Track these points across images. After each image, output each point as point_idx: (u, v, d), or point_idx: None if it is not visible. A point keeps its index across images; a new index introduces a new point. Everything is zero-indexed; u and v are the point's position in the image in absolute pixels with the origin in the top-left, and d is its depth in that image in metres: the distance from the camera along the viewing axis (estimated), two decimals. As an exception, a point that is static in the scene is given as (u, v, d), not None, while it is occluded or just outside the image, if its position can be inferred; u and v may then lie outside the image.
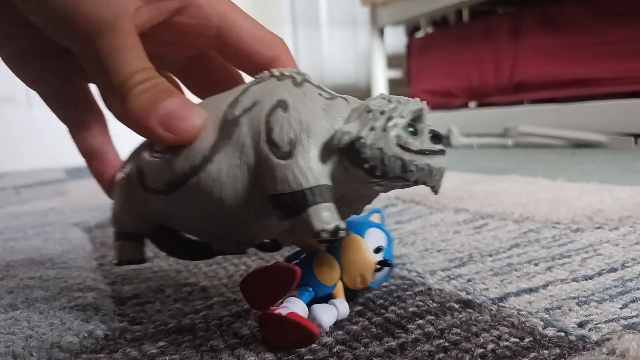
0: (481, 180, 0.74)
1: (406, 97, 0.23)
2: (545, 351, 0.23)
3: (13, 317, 0.30)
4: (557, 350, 0.23)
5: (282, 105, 0.22)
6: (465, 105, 1.67)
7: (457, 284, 0.32)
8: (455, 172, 0.87)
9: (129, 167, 0.28)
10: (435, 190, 0.24)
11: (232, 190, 0.23)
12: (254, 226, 0.25)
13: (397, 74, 1.85)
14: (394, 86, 1.87)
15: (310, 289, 0.27)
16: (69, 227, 0.59)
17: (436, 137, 0.23)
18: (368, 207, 0.29)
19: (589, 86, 1.29)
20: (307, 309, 0.27)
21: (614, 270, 0.33)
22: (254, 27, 0.27)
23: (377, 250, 0.29)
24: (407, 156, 0.21)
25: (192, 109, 0.23)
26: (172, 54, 0.28)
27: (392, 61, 1.88)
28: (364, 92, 2.21)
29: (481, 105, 1.61)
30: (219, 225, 0.25)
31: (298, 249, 0.30)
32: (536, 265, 0.35)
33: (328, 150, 0.22)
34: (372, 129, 0.21)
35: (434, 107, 1.79)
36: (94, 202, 0.79)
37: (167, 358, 0.25)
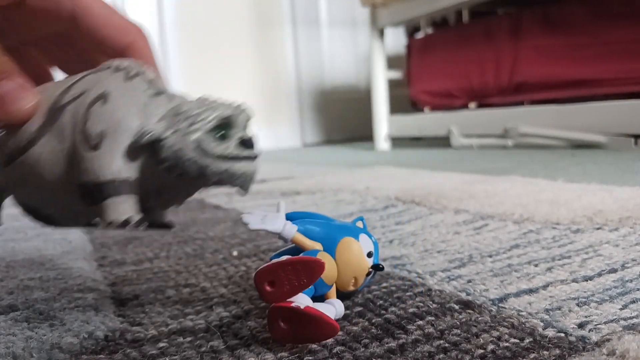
0: (481, 181, 0.74)
1: (225, 101, 0.24)
2: (545, 352, 0.23)
3: (13, 318, 0.30)
4: (557, 351, 0.23)
5: (104, 97, 0.24)
6: (465, 106, 1.67)
7: (457, 285, 0.32)
8: (455, 172, 0.87)
9: None
10: (242, 192, 0.25)
11: (50, 174, 0.24)
12: (77, 206, 0.25)
13: (397, 74, 1.85)
14: (394, 87, 1.87)
15: (312, 286, 0.27)
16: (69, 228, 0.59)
17: (246, 143, 0.24)
18: (358, 211, 0.29)
19: (589, 87, 1.29)
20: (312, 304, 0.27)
21: (614, 271, 0.33)
22: (109, 14, 0.28)
23: (369, 254, 0.30)
24: (204, 161, 0.23)
25: (25, 92, 0.25)
26: (27, 32, 0.29)
27: (392, 62, 1.88)
28: (364, 93, 2.21)
29: (481, 106, 1.61)
30: (49, 201, 0.26)
31: (291, 245, 0.30)
32: (536, 266, 0.35)
33: (136, 147, 0.23)
34: (176, 131, 0.23)
35: (434, 107, 1.79)
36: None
37: (167, 359, 0.25)
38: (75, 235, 0.54)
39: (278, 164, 1.38)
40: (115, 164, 0.23)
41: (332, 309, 0.27)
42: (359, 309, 0.29)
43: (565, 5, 1.34)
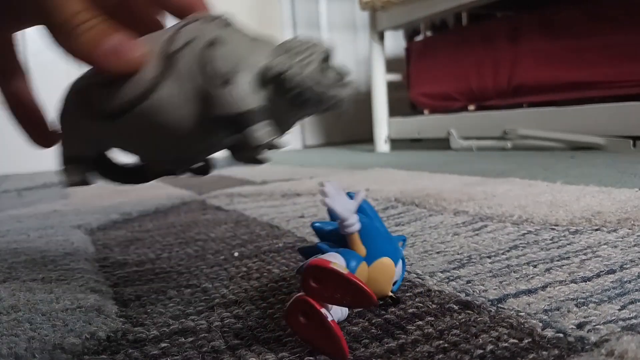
0: (480, 183, 0.75)
1: (312, 40, 0.27)
2: (544, 352, 0.23)
3: (15, 319, 0.30)
4: (556, 352, 0.23)
5: (217, 41, 0.26)
6: (464, 109, 1.67)
7: (456, 286, 0.32)
8: (455, 174, 0.87)
9: (73, 97, 0.29)
10: (342, 113, 0.27)
11: (175, 118, 0.26)
12: (198, 144, 0.27)
13: (396, 77, 1.86)
14: (394, 89, 1.87)
15: None
16: (71, 230, 0.59)
17: (341, 72, 0.27)
18: (396, 231, 0.29)
19: (587, 89, 1.29)
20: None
21: (612, 272, 0.33)
22: None
23: (394, 282, 0.30)
24: (321, 88, 0.25)
25: (134, 43, 0.26)
26: None
27: (391, 65, 1.88)
28: (364, 95, 2.21)
29: (480, 108, 1.62)
30: (163, 147, 0.28)
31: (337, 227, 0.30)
32: (535, 266, 0.35)
33: (264, 80, 0.25)
34: (293, 64, 0.25)
35: (434, 110, 1.80)
36: (96, 204, 0.80)
37: (168, 359, 0.25)
38: (78, 237, 0.55)
39: (279, 165, 1.38)
40: (251, 95, 0.25)
41: (339, 311, 0.27)
42: (358, 309, 0.30)
43: (563, 8, 1.35)
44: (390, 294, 0.30)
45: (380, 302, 0.29)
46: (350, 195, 0.30)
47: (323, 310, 0.24)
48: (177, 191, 0.90)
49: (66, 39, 0.26)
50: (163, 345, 0.26)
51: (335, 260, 0.27)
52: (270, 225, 0.55)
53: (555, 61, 1.35)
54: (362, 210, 0.31)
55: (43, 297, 0.34)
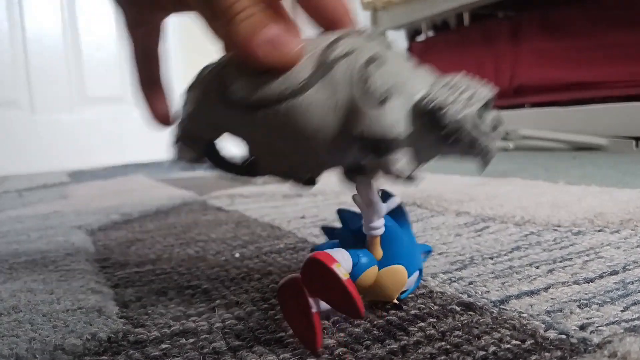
0: (482, 184, 0.74)
1: (480, 81, 0.26)
2: (546, 354, 0.23)
3: (16, 320, 0.30)
4: (559, 353, 0.23)
5: (378, 59, 0.25)
6: (466, 109, 1.67)
7: (458, 287, 0.32)
8: (456, 175, 0.87)
9: (209, 80, 0.29)
10: (483, 167, 0.26)
11: (317, 123, 0.25)
12: (325, 156, 0.26)
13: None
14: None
15: None
16: (72, 230, 0.59)
17: (497, 123, 0.26)
18: (422, 239, 0.29)
19: (589, 89, 1.29)
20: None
21: (615, 273, 0.33)
22: None
23: (404, 291, 0.30)
24: (476, 134, 0.24)
25: (292, 38, 0.25)
26: None
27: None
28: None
29: (482, 108, 1.61)
30: (291, 150, 0.27)
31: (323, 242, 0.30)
32: (537, 267, 0.35)
33: (415, 109, 0.24)
34: (455, 102, 0.24)
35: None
36: (97, 205, 0.80)
37: (170, 360, 0.25)
38: (78, 237, 0.55)
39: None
40: (401, 123, 0.24)
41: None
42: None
43: (564, 8, 1.35)
44: (396, 301, 0.29)
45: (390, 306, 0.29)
46: (386, 195, 0.30)
47: (311, 300, 0.24)
48: (178, 192, 0.90)
49: (223, 26, 0.25)
50: (164, 346, 0.26)
51: (343, 258, 0.27)
52: (271, 226, 0.55)
53: (557, 61, 1.35)
54: (396, 214, 0.31)
55: (44, 297, 0.34)
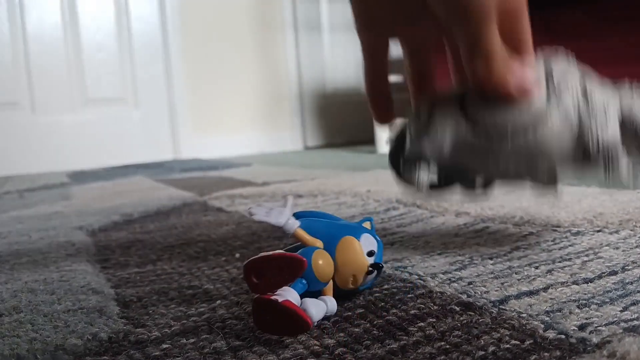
0: (482, 184, 0.74)
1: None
2: (545, 354, 0.23)
3: (17, 320, 0.30)
4: (558, 353, 0.23)
5: (595, 85, 0.32)
6: (466, 110, 1.67)
7: (458, 287, 0.32)
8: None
9: (448, 106, 0.33)
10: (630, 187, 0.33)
11: (559, 144, 0.31)
12: (559, 165, 0.32)
13: (398, 78, 1.86)
14: (396, 90, 1.87)
15: (304, 281, 0.28)
16: (73, 231, 0.59)
17: None
18: (360, 213, 0.29)
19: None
20: (300, 299, 0.27)
21: (614, 273, 0.33)
22: None
23: (370, 253, 0.31)
24: None
25: (531, 72, 0.31)
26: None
27: (393, 66, 1.88)
28: (365, 97, 2.21)
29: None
30: (527, 167, 0.32)
31: (297, 242, 0.31)
32: (536, 268, 0.35)
33: (621, 125, 0.31)
34: None
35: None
36: (98, 205, 0.80)
37: (170, 360, 0.25)
38: (79, 238, 0.55)
39: (280, 167, 1.39)
40: (618, 132, 0.31)
41: (323, 305, 0.28)
42: (360, 310, 0.30)
43: (565, 10, 1.35)
44: (369, 267, 0.30)
45: (370, 269, 0.30)
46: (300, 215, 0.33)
47: (273, 297, 0.26)
48: (178, 192, 0.90)
49: (484, 64, 0.30)
50: (165, 346, 0.26)
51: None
52: (271, 226, 0.55)
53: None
54: (317, 216, 0.34)
55: (45, 298, 0.34)
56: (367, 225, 0.33)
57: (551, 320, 0.26)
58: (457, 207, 0.57)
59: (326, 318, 0.29)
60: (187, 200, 0.79)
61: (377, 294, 0.32)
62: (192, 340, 0.27)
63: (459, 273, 0.35)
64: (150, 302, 0.33)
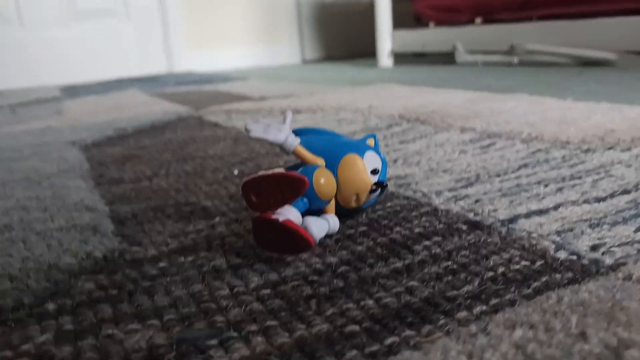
0: (486, 99, 0.72)
1: None
2: (557, 275, 0.22)
3: (9, 239, 0.29)
4: (570, 274, 0.22)
5: None
6: (470, 22, 1.60)
7: (464, 205, 0.31)
8: (460, 90, 0.84)
9: None
10: None
11: None
12: None
13: (401, -13, 1.77)
14: (398, 0, 1.79)
15: (306, 200, 0.27)
16: (66, 146, 0.57)
17: None
18: (361, 130, 0.27)
19: (598, 2, 1.23)
20: (301, 217, 0.26)
21: (626, 192, 0.32)
22: None
23: (374, 171, 0.29)
24: None
25: None
26: None
27: (396, -27, 1.78)
28: (366, 6, 2.13)
29: (487, 21, 1.55)
30: None
31: (298, 161, 0.30)
32: (546, 186, 0.34)
33: None
34: None
35: (439, 23, 1.73)
36: (91, 120, 0.78)
37: (167, 279, 0.24)
38: (72, 154, 0.53)
39: (277, 81, 1.35)
40: None
41: (325, 223, 0.27)
42: (363, 228, 0.29)
43: None
44: (373, 186, 0.29)
45: (373, 188, 0.29)
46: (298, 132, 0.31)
47: (274, 216, 0.25)
48: (173, 106, 0.87)
49: None
50: (162, 265, 0.26)
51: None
52: (270, 142, 0.53)
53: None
54: (317, 133, 0.32)
55: (37, 215, 0.33)
56: (370, 142, 0.31)
57: (562, 241, 0.25)
58: (462, 123, 0.55)
59: (328, 236, 0.28)
60: (182, 115, 0.77)
61: (380, 212, 0.31)
62: (190, 259, 0.26)
63: (465, 190, 0.34)
64: (147, 218, 0.32)
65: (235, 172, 0.43)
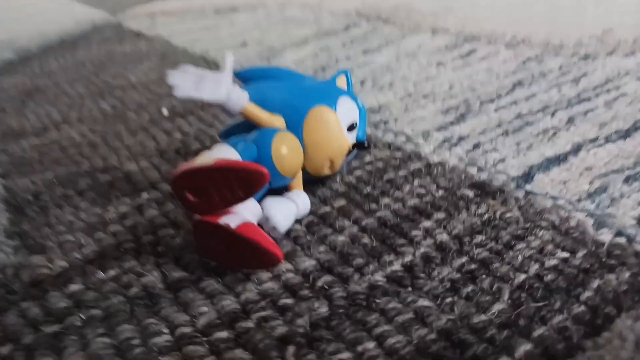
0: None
1: None
2: (611, 276, 0.16)
3: None
4: (627, 275, 0.16)
5: None
6: None
7: (461, 153, 0.25)
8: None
9: None
10: None
11: None
12: None
13: None
14: None
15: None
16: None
17: None
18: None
19: None
20: (259, 208, 0.19)
21: (653, 120, 0.26)
22: None
23: (350, 127, 0.22)
24: None
25: None
26: None
27: None
28: None
29: None
30: None
31: (241, 119, 0.22)
32: (552, 115, 0.27)
33: None
34: None
35: None
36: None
37: (83, 317, 0.17)
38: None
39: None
40: None
41: (292, 206, 0.20)
42: (341, 202, 0.22)
43: None
44: (350, 148, 0.22)
45: (351, 150, 0.22)
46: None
47: (223, 221, 0.18)
48: (85, 11, 0.74)
49: None
50: (73, 288, 0.19)
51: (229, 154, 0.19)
52: (205, 59, 0.44)
53: None
54: (268, 75, 0.24)
55: None
56: (341, 82, 0.24)
57: (599, 211, 0.19)
58: (432, 22, 0.47)
59: (298, 221, 0.21)
60: (97, 23, 0.65)
61: (358, 172, 0.24)
62: (112, 273, 0.19)
63: (458, 128, 0.27)
64: (53, 201, 0.25)
65: (165, 112, 0.34)
